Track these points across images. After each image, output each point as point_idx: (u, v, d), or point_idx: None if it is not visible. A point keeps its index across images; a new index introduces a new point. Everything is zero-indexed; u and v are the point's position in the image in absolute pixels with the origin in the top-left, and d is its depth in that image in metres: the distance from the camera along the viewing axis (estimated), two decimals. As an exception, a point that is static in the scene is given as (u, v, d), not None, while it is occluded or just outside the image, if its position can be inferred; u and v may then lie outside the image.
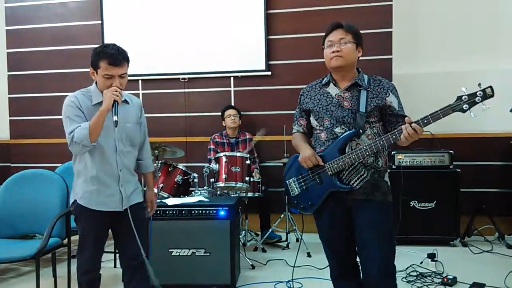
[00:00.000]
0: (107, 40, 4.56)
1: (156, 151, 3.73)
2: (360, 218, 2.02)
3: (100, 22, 4.69)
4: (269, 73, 4.49)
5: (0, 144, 4.96)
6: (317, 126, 2.12)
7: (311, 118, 2.16)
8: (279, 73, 4.51)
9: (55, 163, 3.98)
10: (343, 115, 2.02)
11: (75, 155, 2.19)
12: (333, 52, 2.02)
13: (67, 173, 2.93)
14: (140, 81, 4.68)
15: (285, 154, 3.93)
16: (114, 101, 2.03)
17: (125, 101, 2.22)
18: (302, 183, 2.15)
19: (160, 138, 4.19)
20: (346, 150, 2.01)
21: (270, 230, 4.03)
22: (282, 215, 4.01)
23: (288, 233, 3.98)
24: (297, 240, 3.93)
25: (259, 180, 3.93)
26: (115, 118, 2.01)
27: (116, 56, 2.04)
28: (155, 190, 3.64)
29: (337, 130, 2.03)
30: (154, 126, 4.54)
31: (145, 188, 2.49)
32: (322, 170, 2.06)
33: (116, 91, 2.04)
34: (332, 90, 2.09)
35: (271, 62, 4.50)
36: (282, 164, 3.82)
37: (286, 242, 3.94)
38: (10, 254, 2.51)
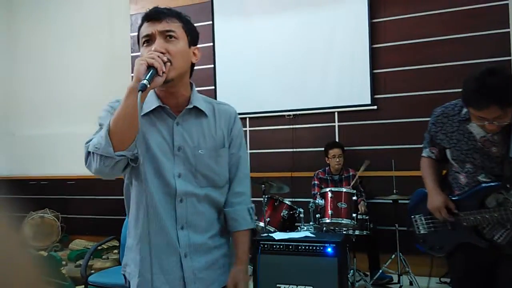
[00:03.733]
0: (218, 82, 4.91)
1: (263, 186, 3.83)
2: (504, 277, 1.69)
3: (212, 66, 5.06)
4: (375, 107, 4.40)
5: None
6: (455, 165, 1.79)
7: (448, 153, 1.82)
8: (385, 107, 4.39)
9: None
10: (491, 165, 1.68)
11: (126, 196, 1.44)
12: (491, 130, 1.63)
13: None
14: (247, 119, 4.91)
15: (394, 191, 3.75)
16: (149, 66, 1.17)
17: (197, 111, 1.37)
18: (431, 224, 1.90)
19: (266, 173, 4.30)
20: (488, 202, 1.68)
21: (380, 270, 3.82)
22: (393, 256, 3.79)
23: (401, 275, 3.73)
24: (411, 284, 3.67)
25: (366, 214, 3.78)
26: (144, 81, 1.13)
27: (157, 9, 1.31)
28: (261, 224, 3.72)
29: (481, 178, 1.71)
30: (260, 161, 4.72)
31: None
32: (456, 219, 1.77)
33: (152, 55, 1.19)
34: (476, 130, 1.70)
35: (376, 96, 4.42)
36: (391, 201, 3.65)
37: (399, 285, 3.69)
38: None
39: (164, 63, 1.20)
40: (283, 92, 4.73)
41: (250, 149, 4.84)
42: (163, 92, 1.34)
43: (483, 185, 1.69)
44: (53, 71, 6.07)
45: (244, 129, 4.93)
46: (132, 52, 5.52)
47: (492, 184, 1.68)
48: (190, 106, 1.34)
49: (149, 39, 1.28)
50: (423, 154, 1.97)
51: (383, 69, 4.42)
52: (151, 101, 1.32)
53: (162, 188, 1.31)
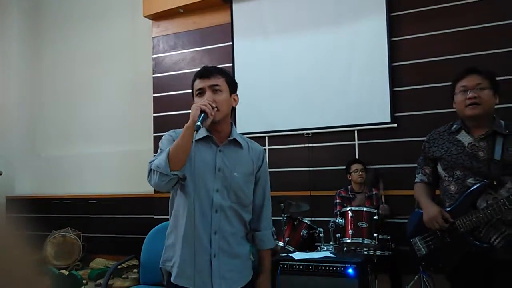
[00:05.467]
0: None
1: (282, 204, 3.81)
2: (503, 284, 1.77)
3: (231, 85, 5.12)
4: (395, 125, 4.36)
5: (145, 198, 5.57)
6: (445, 176, 1.94)
7: (439, 167, 1.99)
8: (406, 125, 4.34)
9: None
10: (478, 165, 1.82)
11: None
12: (469, 98, 1.84)
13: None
14: (266, 138, 4.91)
15: (416, 209, 3.67)
16: (201, 112, 1.56)
17: (236, 143, 1.75)
18: (430, 242, 1.96)
19: (285, 192, 4.28)
20: (479, 204, 1.80)
21: (402, 292, 3.73)
22: (416, 277, 3.69)
23: (424, 297, 3.63)
24: (435, 306, 3.55)
25: (386, 235, 3.71)
26: (198, 123, 1.54)
27: (206, 68, 1.73)
28: (280, 244, 3.68)
29: (470, 181, 1.84)
30: (279, 180, 4.70)
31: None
32: (453, 228, 1.86)
33: (204, 103, 1.59)
34: (464, 138, 1.92)
35: (396, 114, 4.38)
36: (413, 221, 3.58)
37: (422, 307, 3.58)
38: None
39: (212, 108, 1.58)
40: (302, 111, 4.74)
41: (269, 168, 4.83)
42: (210, 126, 1.69)
43: (472, 188, 1.82)
44: (78, 93, 6.25)
45: (263, 147, 4.92)
46: (153, 74, 5.63)
47: (480, 184, 1.80)
48: (231, 138, 1.72)
49: (201, 92, 1.68)
50: (416, 180, 2.12)
51: (403, 87, 4.39)
52: (201, 132, 1.67)
53: (203, 200, 1.64)
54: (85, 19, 6.32)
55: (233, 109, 1.79)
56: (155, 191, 5.43)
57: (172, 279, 1.66)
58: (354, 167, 4.16)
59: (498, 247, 1.78)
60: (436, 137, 2.04)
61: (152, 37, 5.69)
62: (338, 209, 3.98)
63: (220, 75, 1.72)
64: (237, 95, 1.79)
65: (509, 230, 1.79)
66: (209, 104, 1.58)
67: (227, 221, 1.67)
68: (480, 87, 1.85)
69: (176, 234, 1.67)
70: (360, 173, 4.11)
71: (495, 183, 1.79)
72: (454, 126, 1.99)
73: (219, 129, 1.72)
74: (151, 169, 1.56)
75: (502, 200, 1.74)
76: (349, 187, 4.21)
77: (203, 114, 1.55)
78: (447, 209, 1.90)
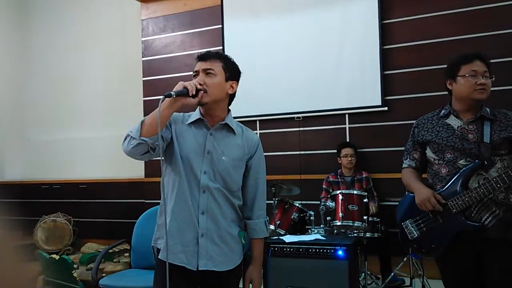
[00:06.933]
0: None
1: (273, 188, 3.82)
2: (493, 263, 1.81)
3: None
4: (386, 108, 4.37)
5: (136, 182, 5.55)
6: (435, 159, 1.98)
7: (428, 151, 2.04)
8: (397, 108, 4.35)
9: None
10: (469, 146, 1.88)
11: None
12: (480, 84, 1.90)
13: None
14: (257, 122, 4.90)
15: (406, 193, 3.71)
16: (184, 87, 1.59)
17: (228, 128, 1.75)
18: (422, 225, 2.00)
19: (276, 176, 4.29)
20: (470, 185, 1.85)
21: (392, 273, 3.78)
22: (405, 258, 3.75)
23: (413, 278, 3.69)
24: (423, 287, 3.62)
25: (376, 216, 3.75)
26: (171, 92, 1.57)
27: (207, 52, 1.75)
28: (271, 227, 3.70)
29: (461, 162, 1.89)
30: (270, 164, 4.68)
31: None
32: (445, 209, 1.90)
33: (191, 82, 1.62)
34: (453, 122, 1.98)
35: (387, 98, 4.38)
36: (403, 203, 3.61)
37: (410, 288, 3.65)
38: (145, 283, 2.73)
39: (198, 90, 1.60)
40: (293, 95, 4.72)
41: (260, 152, 4.83)
42: (204, 110, 1.74)
43: (464, 168, 1.87)
44: (67, 77, 6.15)
45: (255, 131, 4.91)
46: (143, 57, 5.56)
47: (472, 164, 1.86)
48: (222, 122, 1.73)
49: (196, 74, 1.70)
50: (404, 166, 2.16)
51: (394, 70, 4.38)
52: (195, 115, 1.74)
53: (191, 180, 1.68)
54: (73, 2, 6.18)
55: (231, 97, 1.79)
56: (146, 175, 5.41)
57: (159, 255, 1.68)
58: (344, 151, 4.17)
59: (489, 226, 1.83)
60: (425, 122, 2.08)
61: (141, 20, 5.60)
62: (323, 195, 4.03)
63: (219, 59, 1.72)
64: (235, 83, 1.76)
65: (500, 210, 1.83)
66: (196, 83, 1.61)
67: (215, 203, 1.69)
68: (486, 75, 1.92)
69: (166, 212, 1.68)
70: (350, 158, 4.13)
71: (486, 163, 1.84)
72: (443, 111, 2.04)
73: (212, 113, 1.73)
74: (127, 135, 1.61)
75: (494, 179, 1.80)
76: (338, 170, 4.23)
77: (183, 90, 1.58)
78: (439, 191, 1.94)
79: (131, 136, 1.57)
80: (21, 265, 0.51)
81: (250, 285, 1.83)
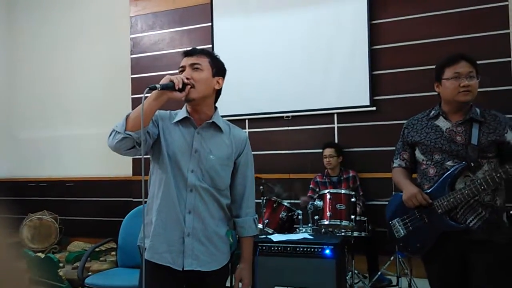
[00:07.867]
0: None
1: (261, 187, 3.82)
2: (477, 264, 1.82)
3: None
4: (374, 108, 4.39)
5: (124, 180, 5.51)
6: (424, 160, 2.01)
7: (417, 152, 2.06)
8: (384, 108, 4.38)
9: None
10: (457, 148, 1.89)
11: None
12: (464, 86, 1.88)
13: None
14: (246, 121, 4.89)
15: (393, 192, 3.73)
16: (170, 81, 1.57)
17: (215, 126, 1.73)
18: (408, 224, 2.02)
19: (265, 174, 4.29)
20: (457, 186, 1.87)
21: (379, 272, 3.81)
22: (392, 258, 3.78)
23: (399, 277, 3.72)
24: (410, 286, 3.65)
25: (362, 215, 3.78)
26: (157, 85, 1.55)
27: (192, 48, 1.74)
28: (260, 226, 3.71)
29: (448, 163, 1.90)
30: (259, 163, 4.68)
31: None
32: (431, 209, 1.92)
33: (177, 76, 1.60)
34: (442, 123, 1.99)
35: (375, 98, 4.41)
36: (390, 203, 3.64)
37: (398, 287, 3.68)
38: (132, 282, 2.71)
39: (185, 85, 1.58)
40: (282, 94, 4.72)
41: (249, 151, 4.83)
42: (190, 108, 1.72)
43: (451, 169, 1.88)
44: (54, 74, 6.07)
45: (243, 130, 4.91)
46: (131, 54, 5.51)
47: (458, 166, 1.87)
48: (210, 121, 1.70)
49: (183, 70, 1.68)
50: (394, 165, 2.18)
51: (382, 70, 4.41)
52: (182, 113, 1.71)
53: (178, 179, 1.65)
54: (61, -3, 6.11)
55: (218, 93, 1.77)
56: (133, 173, 5.37)
57: (145, 255, 1.63)
58: (325, 152, 4.20)
59: (474, 228, 1.84)
60: (415, 123, 2.09)
61: (130, 17, 5.55)
62: (310, 194, 4.07)
63: (205, 55, 1.71)
64: (221, 79, 1.75)
65: (486, 212, 1.85)
66: (183, 77, 1.59)
67: (202, 202, 1.66)
68: (471, 75, 1.91)
69: (152, 210, 1.66)
70: (329, 159, 4.14)
71: (472, 165, 1.85)
72: (432, 112, 2.05)
73: (198, 110, 1.71)
74: (112, 130, 1.59)
75: (479, 181, 1.81)
76: (325, 171, 4.24)
77: (169, 83, 1.56)
78: (427, 191, 1.95)
79: (116, 131, 1.55)
80: (15, 263, 0.50)
81: (240, 284, 1.81)
